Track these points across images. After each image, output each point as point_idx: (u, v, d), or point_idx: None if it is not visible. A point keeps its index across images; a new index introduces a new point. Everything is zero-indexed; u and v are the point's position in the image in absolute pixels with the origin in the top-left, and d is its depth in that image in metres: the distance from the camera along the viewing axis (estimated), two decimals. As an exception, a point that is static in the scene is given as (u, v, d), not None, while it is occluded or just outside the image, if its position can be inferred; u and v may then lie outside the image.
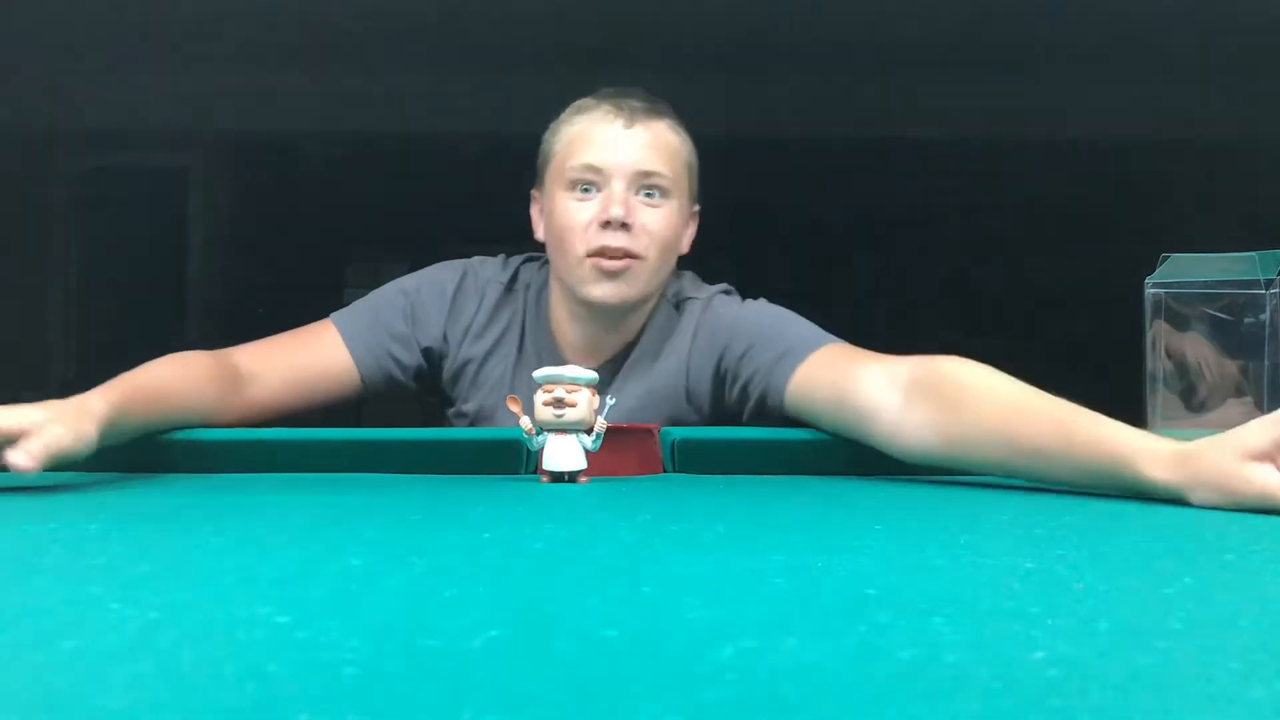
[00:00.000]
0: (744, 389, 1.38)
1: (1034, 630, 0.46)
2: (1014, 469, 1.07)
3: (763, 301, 1.46)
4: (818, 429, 1.29)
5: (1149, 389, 1.07)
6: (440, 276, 1.48)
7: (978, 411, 1.08)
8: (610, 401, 1.15)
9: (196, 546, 0.71)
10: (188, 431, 1.27)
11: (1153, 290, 1.07)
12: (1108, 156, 4.50)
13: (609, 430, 1.14)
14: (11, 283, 4.50)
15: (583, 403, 1.12)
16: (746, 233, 4.57)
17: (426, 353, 1.46)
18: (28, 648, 0.44)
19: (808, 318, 1.41)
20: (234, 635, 0.45)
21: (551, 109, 1.49)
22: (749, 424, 1.41)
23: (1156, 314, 1.06)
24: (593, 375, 1.15)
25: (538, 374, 1.15)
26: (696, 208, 1.49)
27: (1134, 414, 1.09)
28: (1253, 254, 1.07)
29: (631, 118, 1.39)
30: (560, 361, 1.43)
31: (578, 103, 1.45)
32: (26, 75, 4.32)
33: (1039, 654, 0.42)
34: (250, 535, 0.77)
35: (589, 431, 1.13)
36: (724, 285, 1.50)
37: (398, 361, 1.44)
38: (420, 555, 0.68)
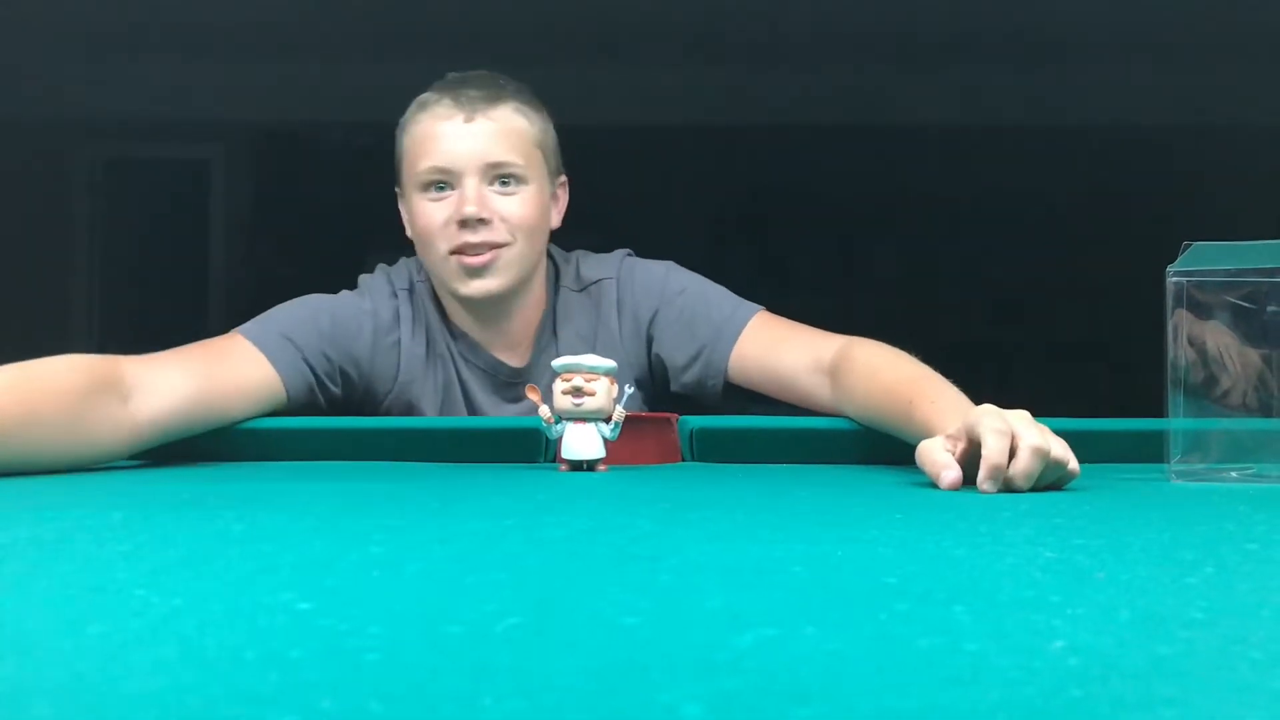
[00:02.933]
0: (679, 367, 1.44)
1: (1054, 619, 0.46)
2: (892, 434, 1.19)
3: (672, 266, 1.49)
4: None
5: (1169, 379, 1.06)
6: (341, 301, 1.44)
7: (860, 385, 1.26)
8: (629, 390, 1.15)
9: (219, 534, 0.71)
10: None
11: (1174, 279, 1.06)
12: (1130, 144, 4.46)
13: (627, 419, 1.14)
14: (34, 274, 4.53)
15: (601, 391, 1.12)
16: (767, 220, 4.56)
17: (343, 372, 1.41)
18: (54, 633, 0.44)
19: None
20: (256, 622, 0.46)
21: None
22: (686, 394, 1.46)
23: (1178, 303, 1.05)
24: (612, 364, 1.15)
25: (556, 363, 1.16)
26: (563, 178, 1.48)
27: (1156, 404, 1.08)
28: (1276, 241, 1.06)
29: (472, 109, 1.38)
30: (476, 350, 1.45)
31: (420, 98, 1.43)
32: (49, 66, 4.35)
33: (1059, 643, 0.42)
34: (272, 523, 0.78)
35: (608, 420, 1.13)
36: (624, 250, 1.51)
37: (314, 370, 1.38)
38: (441, 543, 0.69)
